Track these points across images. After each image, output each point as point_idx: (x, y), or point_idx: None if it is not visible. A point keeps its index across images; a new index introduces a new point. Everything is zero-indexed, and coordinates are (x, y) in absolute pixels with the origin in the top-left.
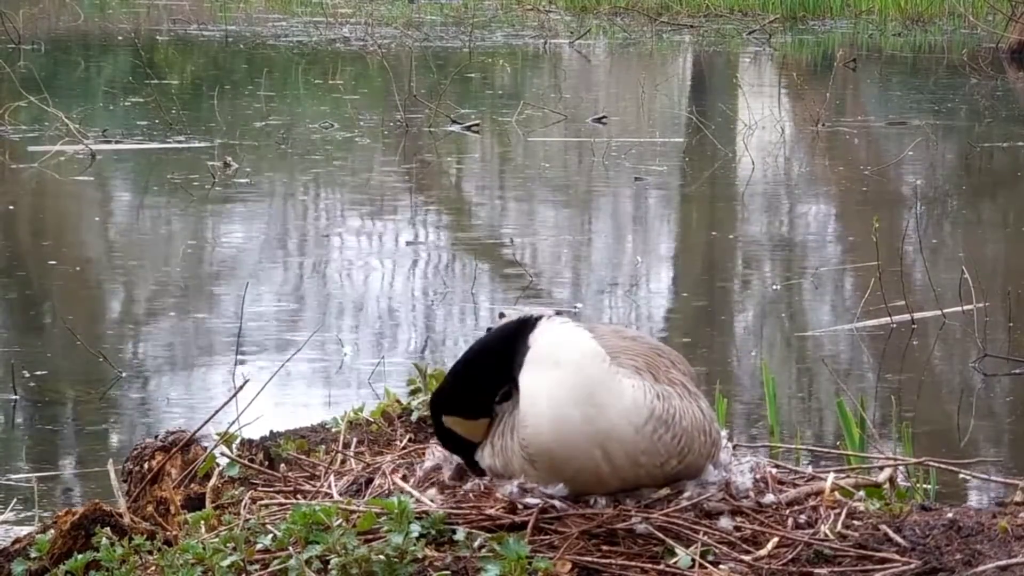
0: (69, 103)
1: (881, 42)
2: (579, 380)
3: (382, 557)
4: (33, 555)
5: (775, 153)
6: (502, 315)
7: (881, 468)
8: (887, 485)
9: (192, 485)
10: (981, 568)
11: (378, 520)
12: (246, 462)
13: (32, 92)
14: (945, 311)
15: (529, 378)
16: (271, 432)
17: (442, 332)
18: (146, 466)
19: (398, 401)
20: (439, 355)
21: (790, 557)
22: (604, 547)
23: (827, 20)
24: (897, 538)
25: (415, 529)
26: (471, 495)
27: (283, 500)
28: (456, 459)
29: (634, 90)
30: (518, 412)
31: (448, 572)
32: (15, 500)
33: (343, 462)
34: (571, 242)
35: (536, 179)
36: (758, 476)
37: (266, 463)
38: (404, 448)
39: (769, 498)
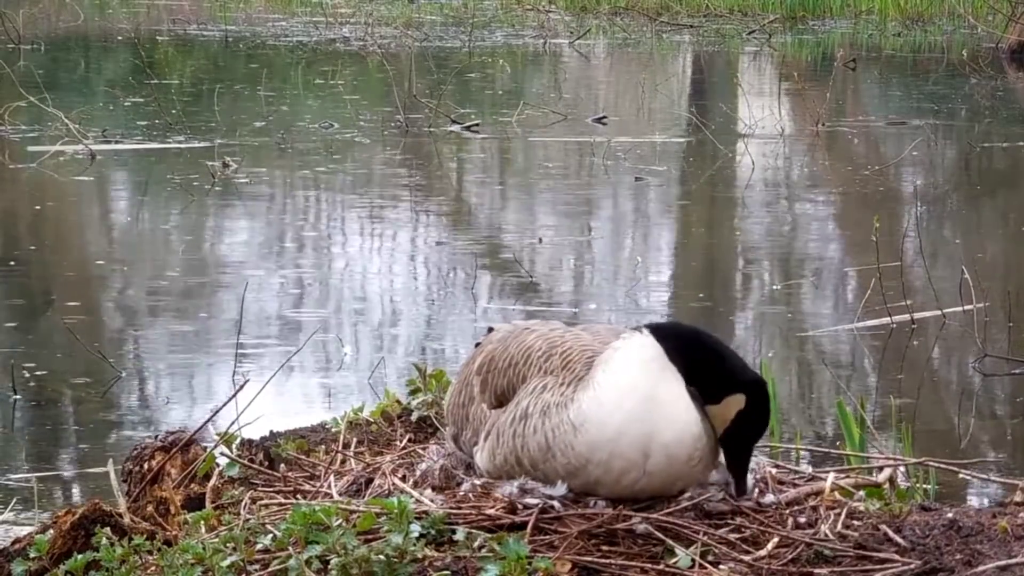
0: (69, 103)
1: (881, 42)
2: (665, 396)
3: (382, 557)
4: (33, 555)
5: (775, 153)
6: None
7: (881, 468)
8: (887, 485)
9: (192, 485)
10: (981, 568)
11: (378, 520)
12: (246, 462)
13: (32, 92)
14: (945, 311)
15: (618, 368)
16: (271, 432)
17: (442, 332)
18: (146, 466)
19: (398, 401)
20: (439, 355)
21: (790, 557)
22: (604, 547)
23: (827, 20)
24: (897, 538)
25: (415, 529)
26: (471, 495)
27: (283, 500)
28: (445, 461)
29: (634, 90)
30: (586, 387)
31: (448, 572)
32: (15, 500)
33: (343, 462)
34: (571, 242)
35: (536, 179)
36: (758, 476)
37: (266, 463)
38: (404, 448)
39: (769, 498)
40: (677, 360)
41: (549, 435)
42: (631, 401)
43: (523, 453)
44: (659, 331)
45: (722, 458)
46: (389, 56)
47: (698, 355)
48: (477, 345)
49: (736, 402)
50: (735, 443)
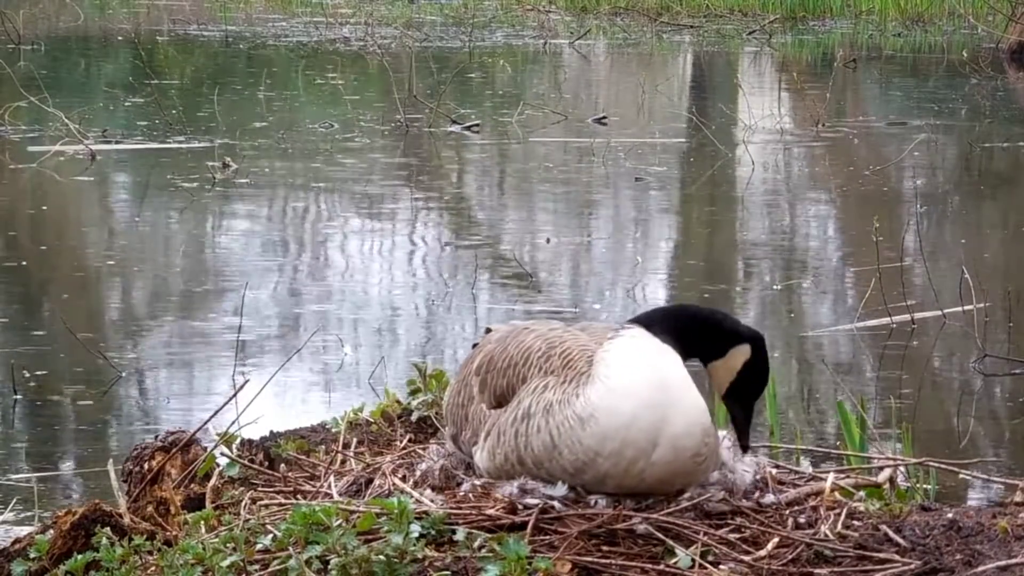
0: (69, 103)
1: (881, 42)
2: (675, 384)
3: (382, 557)
4: (33, 555)
5: (775, 153)
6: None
7: (881, 468)
8: (887, 485)
9: (192, 485)
10: (981, 568)
11: (378, 520)
12: (246, 462)
13: (32, 92)
14: (945, 311)
15: (628, 356)
16: (271, 432)
17: (442, 332)
18: (146, 466)
19: (398, 401)
20: (439, 355)
21: (790, 557)
22: (604, 547)
23: (827, 20)
24: (897, 538)
25: (415, 529)
26: (471, 495)
27: (283, 500)
28: (445, 461)
29: (634, 90)
30: (591, 382)
31: (448, 572)
32: (15, 500)
33: (343, 462)
34: (571, 242)
35: (536, 179)
36: (758, 476)
37: (266, 463)
38: (404, 448)
39: (769, 498)
40: (672, 338)
41: (554, 432)
42: (642, 388)
43: (526, 453)
44: (643, 320)
45: (724, 455)
46: (389, 56)
47: (693, 320)
48: (475, 346)
49: (742, 352)
50: (742, 394)
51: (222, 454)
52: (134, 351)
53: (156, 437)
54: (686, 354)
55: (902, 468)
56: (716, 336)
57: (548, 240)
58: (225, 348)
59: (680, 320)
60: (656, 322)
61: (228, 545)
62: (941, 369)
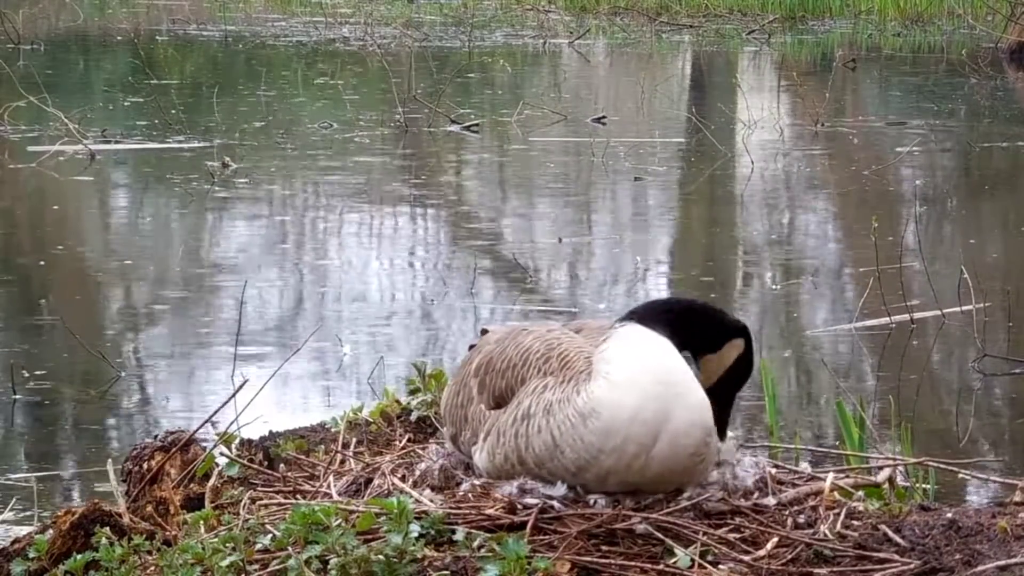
0: (69, 103)
1: (881, 42)
2: (678, 378)
3: (381, 557)
4: (32, 555)
5: (775, 153)
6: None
7: (880, 468)
8: (886, 485)
9: (191, 485)
10: (981, 568)
11: (377, 520)
12: (245, 462)
13: (32, 92)
14: (945, 311)
15: (630, 352)
16: (270, 432)
17: (442, 332)
18: (145, 466)
19: (397, 401)
20: (439, 355)
21: (790, 557)
22: (603, 547)
23: (827, 20)
24: (897, 538)
25: (414, 529)
26: (470, 495)
27: (282, 500)
28: (444, 461)
29: (634, 90)
30: (592, 379)
31: (448, 572)
32: (15, 500)
33: (342, 462)
34: (571, 242)
35: (536, 179)
36: (758, 476)
37: (265, 463)
38: (403, 448)
39: (769, 498)
40: (668, 330)
41: (555, 432)
42: (645, 380)
43: (527, 453)
44: (638, 315)
45: (727, 458)
46: (389, 56)
47: (689, 312)
48: (471, 348)
49: (736, 347)
50: (728, 387)
51: (221, 454)
52: (134, 351)
53: (155, 437)
54: (681, 346)
55: (901, 468)
56: (712, 329)
57: (560, 240)
58: (224, 348)
59: (676, 312)
60: (651, 316)
61: (227, 545)
62: (941, 369)
